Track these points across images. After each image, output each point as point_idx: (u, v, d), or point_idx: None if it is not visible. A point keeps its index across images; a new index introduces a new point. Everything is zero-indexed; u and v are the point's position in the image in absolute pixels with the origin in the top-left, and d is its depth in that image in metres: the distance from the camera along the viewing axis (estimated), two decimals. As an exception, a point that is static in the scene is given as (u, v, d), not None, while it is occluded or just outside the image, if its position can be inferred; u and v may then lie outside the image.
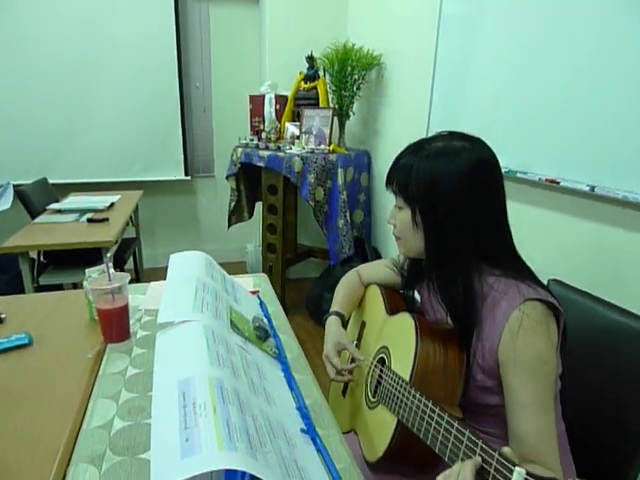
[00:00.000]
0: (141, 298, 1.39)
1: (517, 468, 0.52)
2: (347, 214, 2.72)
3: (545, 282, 1.07)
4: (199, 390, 0.68)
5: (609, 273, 1.36)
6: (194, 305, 0.94)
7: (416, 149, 0.88)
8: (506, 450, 0.58)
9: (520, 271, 0.87)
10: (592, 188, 1.35)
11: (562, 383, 0.94)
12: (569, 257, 1.50)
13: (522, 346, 0.79)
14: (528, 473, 0.50)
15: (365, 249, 2.98)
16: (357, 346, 1.16)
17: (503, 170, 1.68)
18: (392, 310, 1.05)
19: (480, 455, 0.60)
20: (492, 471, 0.57)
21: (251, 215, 3.33)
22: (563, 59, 1.46)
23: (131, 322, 1.19)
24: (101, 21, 3.24)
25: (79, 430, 0.83)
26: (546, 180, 1.51)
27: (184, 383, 0.70)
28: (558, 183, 1.47)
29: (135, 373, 1.01)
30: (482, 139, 0.89)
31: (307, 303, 3.10)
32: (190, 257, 1.19)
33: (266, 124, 2.98)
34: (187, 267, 1.13)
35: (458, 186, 0.83)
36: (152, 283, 1.49)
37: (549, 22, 1.50)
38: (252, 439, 0.64)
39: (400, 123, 2.73)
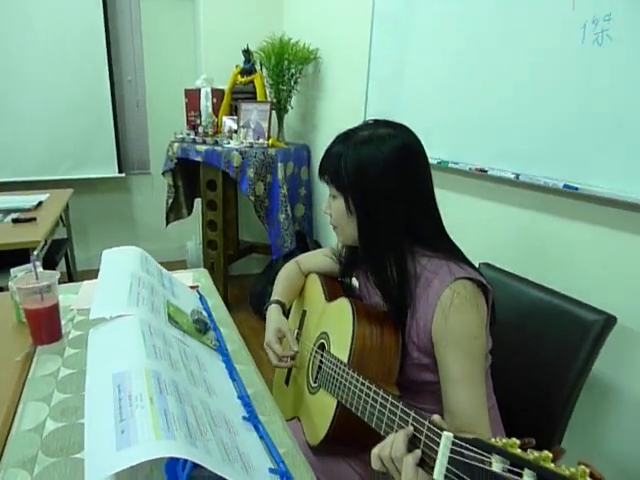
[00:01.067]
0: (73, 298, 1.33)
1: (445, 432, 0.55)
2: (288, 208, 2.73)
3: (476, 266, 1.13)
4: (135, 382, 0.67)
5: (534, 255, 1.45)
6: (129, 299, 0.91)
7: (344, 139, 0.91)
8: (435, 417, 0.61)
9: (451, 252, 0.92)
10: (517, 176, 1.43)
11: (492, 359, 1.00)
12: (498, 242, 1.59)
13: (453, 323, 0.83)
14: (455, 436, 0.53)
15: (307, 243, 3.00)
16: (299, 334, 1.18)
17: (436, 161, 1.74)
18: (331, 297, 1.06)
19: (412, 425, 0.63)
20: (423, 438, 0.59)
21: (190, 212, 3.26)
22: (491, 56, 1.53)
23: (63, 322, 1.14)
24: (23, 9, 3.05)
25: (8, 435, 0.79)
26: (475, 169, 1.59)
27: (119, 376, 0.68)
28: (486, 172, 1.54)
29: (68, 374, 0.97)
30: (407, 125, 0.92)
31: (250, 299, 3.08)
32: (124, 252, 1.16)
33: (203, 118, 2.93)
34: (121, 262, 1.10)
35: (385, 171, 0.86)
36: (85, 282, 1.43)
37: (480, 18, 1.57)
38: (191, 428, 0.64)
39: (338, 117, 2.76)
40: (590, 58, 1.24)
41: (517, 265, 1.29)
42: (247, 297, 3.15)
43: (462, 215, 1.70)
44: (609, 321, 1.00)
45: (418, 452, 0.60)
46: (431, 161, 1.69)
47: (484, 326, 0.87)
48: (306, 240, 3.02)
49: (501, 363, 1.02)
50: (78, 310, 1.25)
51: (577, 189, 1.26)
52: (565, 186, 1.28)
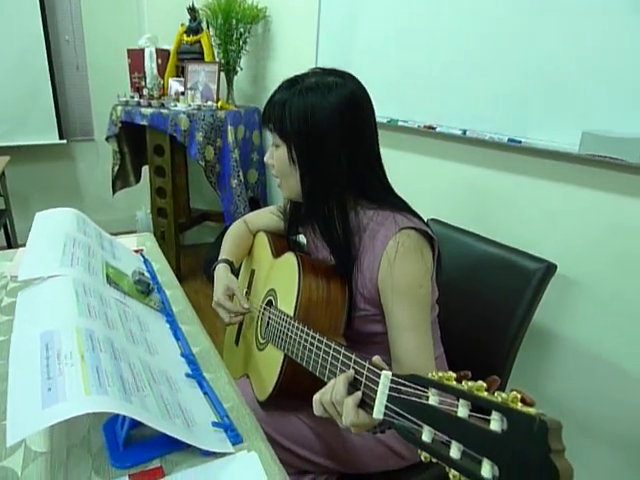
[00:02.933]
0: (7, 265, 1.25)
1: (384, 372, 0.55)
2: (240, 174, 2.66)
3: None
4: (65, 341, 0.63)
5: (481, 209, 1.48)
6: (62, 260, 0.86)
7: (289, 85, 0.87)
8: (375, 358, 0.61)
9: (396, 204, 0.91)
10: (464, 132, 1.44)
11: (439, 310, 1.01)
12: (446, 198, 1.61)
13: (398, 272, 0.83)
14: (393, 374, 0.53)
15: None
16: (247, 294, 1.15)
17: (386, 120, 1.73)
18: (278, 254, 1.04)
19: (353, 367, 0.63)
20: (364, 380, 0.59)
21: (138, 179, 3.13)
22: (439, 15, 1.52)
23: (-6, 290, 1.08)
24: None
25: None
26: (424, 127, 1.58)
27: (47, 335, 0.64)
28: (435, 129, 1.54)
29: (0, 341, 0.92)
30: (354, 75, 0.90)
31: (204, 267, 3.03)
32: (58, 214, 1.10)
33: (147, 80, 2.78)
34: (54, 223, 1.04)
35: (331, 120, 0.83)
36: (20, 249, 1.35)
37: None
38: (127, 384, 0.61)
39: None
40: (533, 13, 1.24)
41: (464, 220, 1.31)
42: (201, 266, 3.09)
43: (411, 173, 1.71)
44: (549, 269, 1.03)
45: (358, 394, 0.59)
46: (381, 120, 1.69)
47: (429, 275, 0.88)
48: (260, 206, 2.97)
49: (448, 314, 1.04)
50: (11, 277, 1.17)
51: (520, 142, 1.27)
52: (509, 140, 1.30)
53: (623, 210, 1.14)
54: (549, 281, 1.05)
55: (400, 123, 1.67)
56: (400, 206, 0.91)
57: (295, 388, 0.87)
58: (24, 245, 1.23)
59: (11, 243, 2.89)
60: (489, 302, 1.12)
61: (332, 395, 0.62)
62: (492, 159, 1.42)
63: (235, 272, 1.13)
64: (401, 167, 1.67)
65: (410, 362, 0.84)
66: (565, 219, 1.26)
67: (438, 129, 1.53)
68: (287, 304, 0.89)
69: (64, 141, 3.36)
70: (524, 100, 1.28)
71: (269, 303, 1.00)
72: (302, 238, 1.10)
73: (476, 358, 1.11)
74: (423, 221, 0.91)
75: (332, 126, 0.83)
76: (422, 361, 0.85)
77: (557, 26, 1.19)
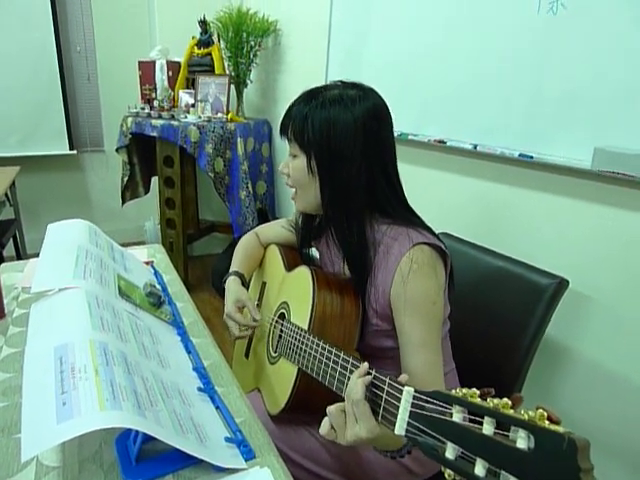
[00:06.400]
0: (19, 276, 1.26)
1: (406, 387, 0.54)
2: (249, 185, 2.67)
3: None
4: (78, 354, 0.63)
5: (492, 224, 1.48)
6: (75, 272, 0.87)
7: (310, 97, 0.88)
8: (400, 378, 0.60)
9: (410, 219, 0.90)
10: (475, 146, 1.44)
11: (451, 325, 1.00)
12: (456, 212, 1.60)
13: (411, 288, 0.82)
14: (416, 390, 0.53)
15: (269, 221, 2.96)
16: (258, 306, 1.15)
17: (396, 133, 1.73)
18: (291, 267, 1.04)
19: (373, 383, 0.62)
20: (384, 395, 0.59)
21: (147, 190, 3.15)
22: (450, 29, 1.52)
23: (6, 301, 1.08)
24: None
25: (-58, 416, 0.74)
26: (434, 141, 1.59)
27: (61, 348, 0.64)
28: (445, 143, 1.54)
29: (11, 353, 0.92)
30: (374, 88, 0.90)
31: (212, 278, 3.03)
32: (70, 225, 1.11)
33: (158, 92, 2.81)
34: (67, 235, 1.05)
35: (354, 132, 0.83)
36: (31, 260, 1.35)
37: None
38: (141, 398, 0.61)
39: (299, 91, 2.70)
40: (545, 28, 1.25)
41: (475, 234, 1.30)
42: (209, 277, 3.09)
43: (422, 187, 1.71)
44: (562, 284, 1.02)
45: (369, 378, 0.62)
46: (391, 133, 1.70)
47: (442, 291, 0.87)
48: (268, 218, 2.98)
49: (459, 328, 1.03)
50: (23, 288, 1.18)
51: (532, 158, 1.27)
52: (520, 155, 1.30)
53: (636, 227, 1.13)
54: (562, 296, 1.04)
55: (410, 137, 1.67)
56: (414, 221, 0.91)
57: (308, 402, 0.86)
58: (34, 255, 1.25)
59: (20, 253, 2.91)
60: (500, 317, 1.12)
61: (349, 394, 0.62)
62: (503, 174, 1.42)
63: (246, 284, 1.13)
64: (411, 181, 1.67)
65: (420, 377, 0.83)
66: (577, 234, 1.25)
67: (448, 143, 1.53)
68: (301, 318, 0.88)
69: (74, 152, 3.39)
70: (535, 115, 1.28)
71: (281, 316, 0.99)
72: (314, 252, 1.10)
73: (487, 373, 1.10)
74: (437, 236, 0.91)
75: (354, 139, 0.84)
76: (431, 377, 0.84)
77: (569, 41, 1.19)
